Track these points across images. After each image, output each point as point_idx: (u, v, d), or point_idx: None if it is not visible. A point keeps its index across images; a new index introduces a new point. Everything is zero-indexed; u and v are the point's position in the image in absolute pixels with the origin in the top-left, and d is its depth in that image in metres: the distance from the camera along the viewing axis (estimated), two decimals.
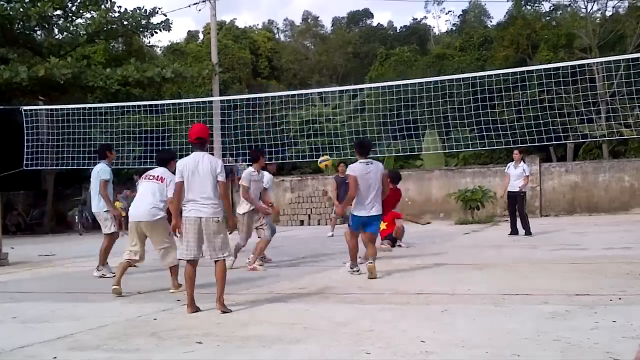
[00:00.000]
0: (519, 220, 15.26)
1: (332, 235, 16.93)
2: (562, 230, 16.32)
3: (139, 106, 22.77)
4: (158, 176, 8.91)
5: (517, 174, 15.27)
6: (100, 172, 10.69)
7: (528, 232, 15.05)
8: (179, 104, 22.37)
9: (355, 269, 9.60)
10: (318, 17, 63.32)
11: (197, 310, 7.03)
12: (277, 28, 64.56)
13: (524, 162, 15.80)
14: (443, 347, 5.13)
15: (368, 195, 9.28)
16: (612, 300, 6.80)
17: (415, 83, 17.96)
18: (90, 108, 20.52)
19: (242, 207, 10.68)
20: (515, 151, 15.68)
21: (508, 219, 15.99)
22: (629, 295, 7.04)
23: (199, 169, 7.04)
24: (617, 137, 26.65)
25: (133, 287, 9.31)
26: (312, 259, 12.12)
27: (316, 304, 7.29)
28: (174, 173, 8.55)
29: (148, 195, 8.79)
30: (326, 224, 23.16)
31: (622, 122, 25.40)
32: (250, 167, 10.82)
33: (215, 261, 7.09)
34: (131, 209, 8.97)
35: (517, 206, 15.27)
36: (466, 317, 6.27)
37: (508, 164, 15.76)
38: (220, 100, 23.57)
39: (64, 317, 7.16)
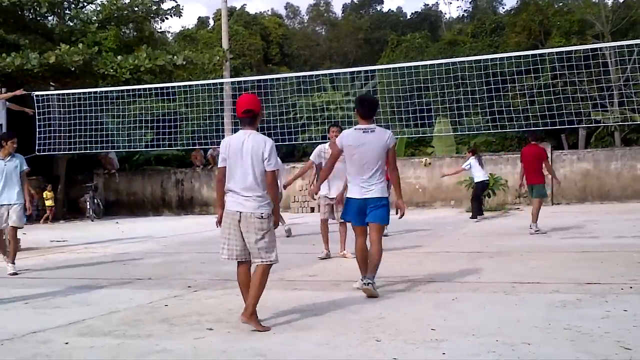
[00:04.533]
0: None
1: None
2: (573, 218, 16.27)
3: (150, 91, 22.81)
4: None
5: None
6: (22, 162, 10.39)
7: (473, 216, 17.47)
8: (190, 87, 22.35)
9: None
10: (330, 2, 63.14)
11: (256, 320, 5.72)
12: (294, 12, 64.38)
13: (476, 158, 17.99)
14: (453, 335, 5.13)
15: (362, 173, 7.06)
16: (623, 289, 6.77)
17: (427, 66, 17.93)
18: (101, 93, 20.59)
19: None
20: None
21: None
22: None
23: (244, 151, 5.76)
24: (629, 123, 26.49)
25: (144, 273, 9.36)
26: (323, 247, 12.10)
27: (326, 291, 7.30)
28: None
29: None
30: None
31: (635, 107, 25.24)
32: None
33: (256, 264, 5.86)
34: None
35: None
36: (476, 305, 6.27)
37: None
38: (232, 85, 23.54)
39: (76, 303, 7.20)
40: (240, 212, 5.73)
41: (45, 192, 23.49)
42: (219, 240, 5.91)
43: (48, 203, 23.35)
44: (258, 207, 5.73)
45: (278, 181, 6.30)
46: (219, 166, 5.97)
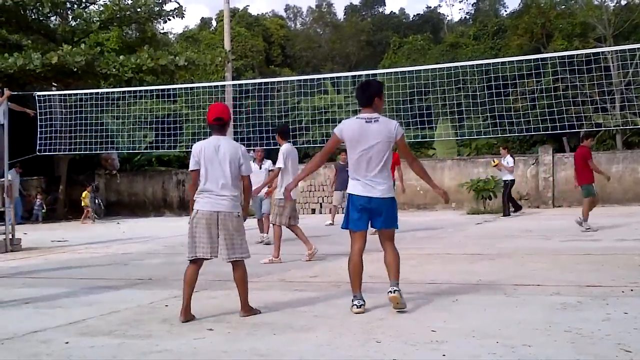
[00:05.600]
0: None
1: (332, 224, 17.08)
2: (574, 221, 16.25)
3: (151, 92, 22.80)
4: None
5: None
6: None
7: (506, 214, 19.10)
8: (191, 89, 22.38)
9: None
10: (332, 4, 63.19)
11: (193, 318, 6.06)
12: (295, 13, 64.46)
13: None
14: (453, 337, 5.13)
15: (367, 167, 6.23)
16: (624, 292, 6.77)
17: (429, 70, 17.92)
18: (103, 94, 20.61)
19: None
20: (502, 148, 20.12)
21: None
22: None
23: (219, 154, 6.08)
24: (631, 127, 26.46)
25: (145, 273, 9.36)
26: (324, 248, 12.11)
27: (327, 293, 7.31)
28: None
29: None
30: (338, 213, 23.17)
31: (636, 111, 25.21)
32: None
33: (233, 263, 6.17)
34: None
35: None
36: (477, 307, 6.26)
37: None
38: (233, 87, 23.57)
39: (76, 303, 7.20)
40: (218, 212, 6.05)
41: (85, 192, 23.41)
42: (189, 239, 6.12)
43: (85, 203, 23.23)
44: (234, 207, 6.11)
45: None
46: (191, 169, 6.24)
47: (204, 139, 6.38)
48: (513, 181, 19.47)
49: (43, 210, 24.63)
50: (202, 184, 6.11)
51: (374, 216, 6.27)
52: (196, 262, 6.16)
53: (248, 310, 6.19)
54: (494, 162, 19.94)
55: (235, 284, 6.24)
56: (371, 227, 6.42)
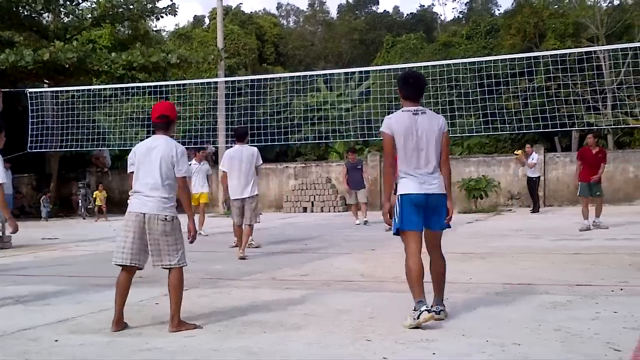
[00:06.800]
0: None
1: (367, 222, 16.56)
2: (565, 220, 16.31)
3: (143, 89, 22.74)
4: None
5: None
6: None
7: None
8: (184, 85, 22.34)
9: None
10: (325, 2, 63.19)
11: (125, 327, 5.74)
12: (287, 11, 64.46)
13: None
14: (443, 336, 5.14)
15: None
16: (614, 291, 6.79)
17: (421, 68, 17.97)
18: (95, 90, 20.57)
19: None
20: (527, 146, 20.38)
21: (531, 204, 20.25)
22: (631, 286, 7.03)
23: (152, 154, 5.71)
24: (623, 126, 26.57)
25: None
26: (315, 246, 12.12)
27: (318, 291, 7.30)
28: None
29: None
30: (329, 211, 23.19)
31: (628, 110, 25.32)
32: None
33: (169, 270, 5.80)
34: None
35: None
36: (467, 306, 6.27)
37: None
38: (225, 85, 23.53)
39: (66, 301, 7.18)
40: (144, 214, 5.62)
41: (96, 192, 23.22)
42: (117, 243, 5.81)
43: (99, 202, 23.00)
44: (163, 209, 5.64)
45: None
46: (128, 172, 5.94)
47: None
48: (538, 178, 20.16)
49: (51, 207, 24.44)
50: (134, 185, 5.79)
51: (430, 216, 5.75)
52: (126, 268, 5.79)
53: (177, 324, 5.63)
54: (517, 152, 20.31)
55: (168, 291, 5.81)
56: (425, 227, 5.88)
